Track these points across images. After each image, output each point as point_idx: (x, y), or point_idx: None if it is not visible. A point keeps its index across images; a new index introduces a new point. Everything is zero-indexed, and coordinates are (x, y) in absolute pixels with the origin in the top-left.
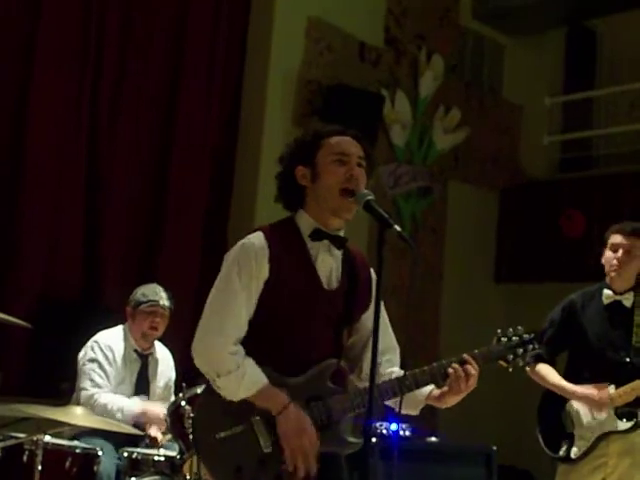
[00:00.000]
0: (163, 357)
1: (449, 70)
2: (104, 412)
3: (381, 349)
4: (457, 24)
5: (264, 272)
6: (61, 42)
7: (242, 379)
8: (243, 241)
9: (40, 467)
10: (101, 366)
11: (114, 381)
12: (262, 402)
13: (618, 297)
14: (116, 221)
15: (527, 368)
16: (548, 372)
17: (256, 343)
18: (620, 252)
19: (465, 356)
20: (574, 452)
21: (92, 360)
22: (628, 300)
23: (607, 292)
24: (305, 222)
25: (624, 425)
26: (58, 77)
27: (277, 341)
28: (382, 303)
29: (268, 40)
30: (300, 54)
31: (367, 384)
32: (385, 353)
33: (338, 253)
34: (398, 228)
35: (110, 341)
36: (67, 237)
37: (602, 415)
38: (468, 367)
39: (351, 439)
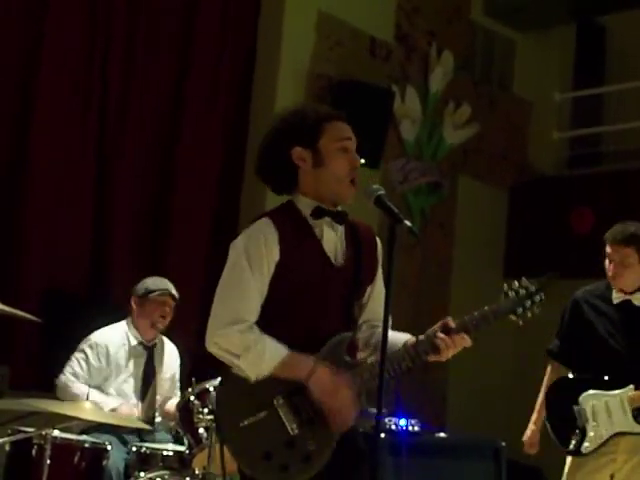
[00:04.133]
0: (168, 349)
1: (459, 66)
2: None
3: (377, 319)
4: (468, 20)
5: (275, 255)
6: (68, 37)
7: (263, 353)
8: (250, 228)
9: (49, 461)
10: (86, 358)
11: (98, 377)
12: (288, 372)
13: (628, 296)
14: (124, 216)
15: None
16: (546, 377)
17: (270, 324)
18: (612, 265)
19: (450, 324)
20: (585, 447)
21: (80, 351)
22: (638, 299)
23: (618, 292)
24: (304, 203)
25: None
26: (65, 71)
27: (291, 320)
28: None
29: (278, 35)
30: (310, 49)
31: (372, 358)
32: (377, 320)
33: (340, 228)
34: (408, 223)
35: (106, 340)
36: (74, 232)
37: (619, 414)
38: (457, 338)
39: (372, 410)
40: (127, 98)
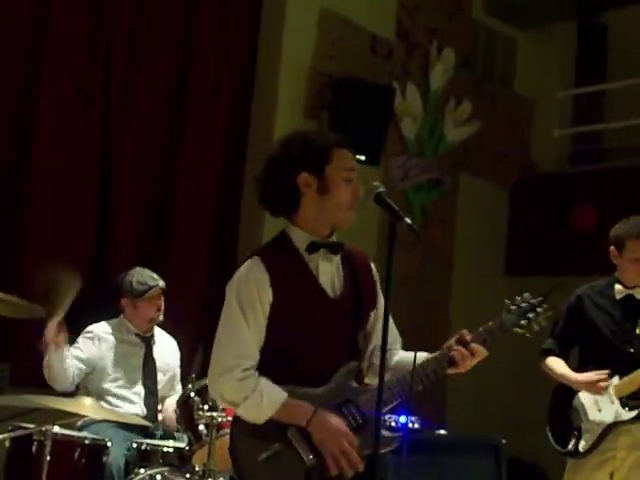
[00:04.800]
0: (165, 341)
1: (461, 63)
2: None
3: (391, 342)
4: (469, 18)
5: (268, 297)
6: (70, 37)
7: (261, 401)
8: (241, 271)
9: (49, 458)
10: (77, 345)
11: (94, 362)
12: (288, 418)
13: (630, 291)
14: (126, 215)
15: (541, 364)
16: (555, 364)
17: (273, 365)
18: None
19: (466, 337)
20: (582, 445)
21: (75, 342)
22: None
23: (618, 287)
24: (299, 237)
25: (628, 415)
26: (67, 71)
27: (294, 358)
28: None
29: (280, 32)
30: (312, 46)
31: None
32: (390, 344)
33: (336, 258)
34: (408, 220)
35: (98, 327)
36: (77, 231)
37: (607, 406)
38: (474, 347)
39: (387, 434)
40: (129, 97)
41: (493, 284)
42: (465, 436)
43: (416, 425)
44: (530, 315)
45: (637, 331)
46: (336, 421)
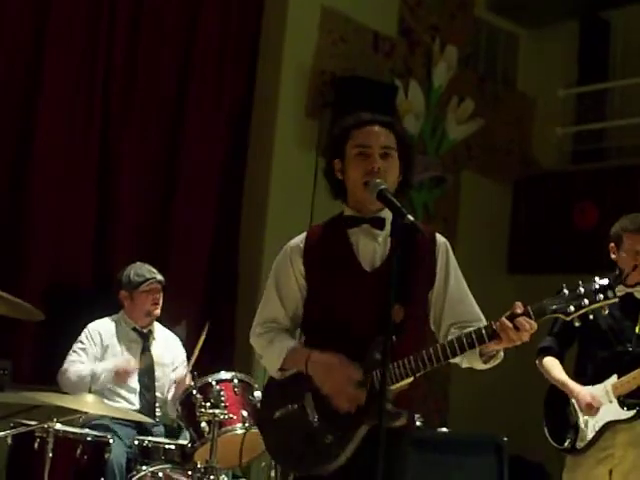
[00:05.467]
0: (165, 336)
1: (463, 61)
2: (79, 382)
3: (468, 319)
4: (471, 15)
5: (299, 266)
6: (70, 36)
7: (273, 352)
8: (287, 244)
9: (51, 455)
10: (82, 346)
11: (94, 361)
12: (292, 365)
13: (630, 289)
14: (127, 206)
15: (536, 361)
16: (552, 366)
17: (309, 332)
18: None
19: (517, 310)
20: (579, 443)
21: (77, 342)
22: (639, 292)
23: (621, 285)
24: (347, 213)
25: (626, 414)
26: (69, 60)
27: (325, 327)
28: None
29: (281, 31)
30: (313, 45)
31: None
32: (472, 322)
33: (382, 233)
34: (411, 217)
35: (98, 325)
36: (78, 223)
37: (605, 405)
38: (520, 320)
39: (391, 409)
40: (130, 95)
41: (495, 282)
42: (467, 434)
43: (418, 423)
44: (584, 302)
45: (636, 330)
46: (330, 357)
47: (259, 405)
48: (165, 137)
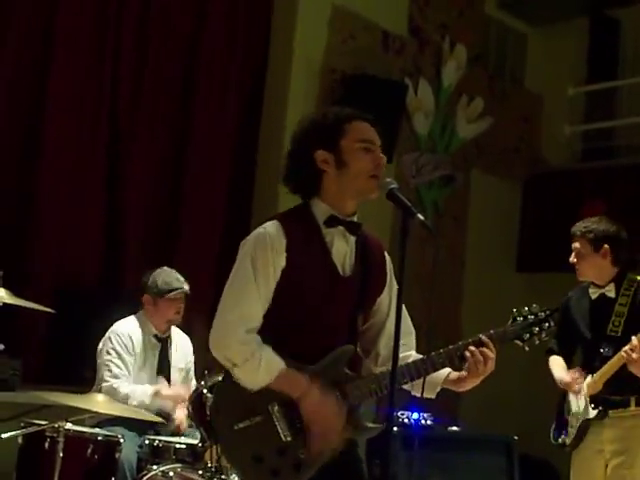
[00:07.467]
0: (181, 340)
1: (472, 59)
2: (125, 402)
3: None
4: (481, 13)
5: (281, 261)
6: (78, 38)
7: (259, 366)
8: (259, 230)
9: (61, 454)
10: (119, 356)
11: (133, 370)
12: (282, 387)
13: (602, 290)
14: (135, 206)
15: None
16: (553, 365)
17: (274, 331)
18: (572, 256)
19: (482, 337)
20: (567, 439)
21: (110, 351)
22: (611, 291)
23: (592, 287)
24: (320, 209)
25: (593, 413)
26: (78, 59)
27: (295, 328)
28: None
29: (292, 29)
30: (323, 43)
31: (383, 369)
32: (402, 337)
33: (352, 239)
34: (421, 217)
35: (128, 330)
36: (86, 223)
37: (582, 403)
38: (485, 351)
39: (369, 424)
40: (138, 96)
41: (505, 280)
42: (477, 433)
43: (429, 421)
44: (534, 329)
45: (608, 329)
46: (329, 399)
47: (212, 410)
48: (174, 135)
